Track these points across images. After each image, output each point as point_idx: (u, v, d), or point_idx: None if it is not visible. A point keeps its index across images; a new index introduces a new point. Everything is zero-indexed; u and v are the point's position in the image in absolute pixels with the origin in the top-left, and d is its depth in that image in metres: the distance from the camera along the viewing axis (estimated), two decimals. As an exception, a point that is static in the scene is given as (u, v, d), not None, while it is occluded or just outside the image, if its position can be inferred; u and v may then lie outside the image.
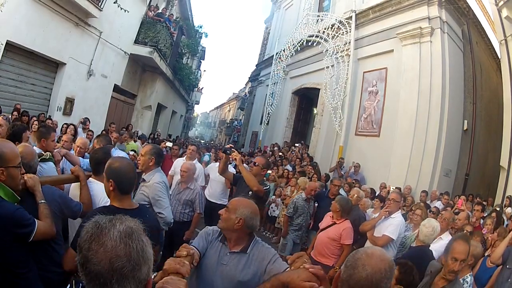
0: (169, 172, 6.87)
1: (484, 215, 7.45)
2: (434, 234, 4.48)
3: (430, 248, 4.43)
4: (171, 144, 9.69)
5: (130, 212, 2.67)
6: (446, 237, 4.76)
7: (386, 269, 1.58)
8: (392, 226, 5.18)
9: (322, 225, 5.46)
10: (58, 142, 6.83)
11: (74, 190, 3.32)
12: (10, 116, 8.03)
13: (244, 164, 8.92)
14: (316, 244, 5.35)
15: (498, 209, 8.41)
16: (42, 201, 2.61)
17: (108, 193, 2.82)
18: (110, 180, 2.75)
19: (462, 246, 3.18)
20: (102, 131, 11.02)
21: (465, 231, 5.62)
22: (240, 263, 2.56)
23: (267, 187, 4.74)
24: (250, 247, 2.62)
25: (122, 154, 5.09)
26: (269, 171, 10.11)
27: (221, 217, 2.69)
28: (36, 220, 2.46)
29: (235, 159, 4.72)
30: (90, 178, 3.33)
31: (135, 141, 10.83)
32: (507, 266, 4.38)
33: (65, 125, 8.75)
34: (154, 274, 1.84)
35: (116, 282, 1.11)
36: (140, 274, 1.16)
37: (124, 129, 11.78)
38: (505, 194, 9.75)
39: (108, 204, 3.09)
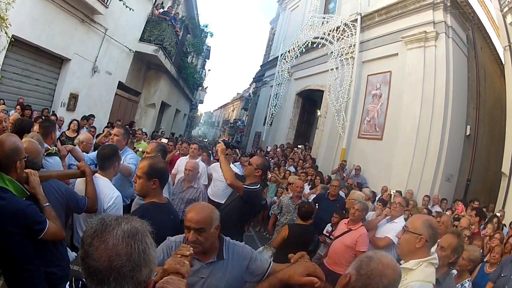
0: (172, 171, 6.89)
1: (484, 221, 7.44)
2: None
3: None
4: (166, 140, 9.80)
5: (168, 205, 3.09)
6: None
7: (398, 278, 1.62)
8: (394, 230, 5.16)
9: (336, 233, 5.36)
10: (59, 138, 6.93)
11: (79, 185, 3.34)
12: (13, 111, 8.11)
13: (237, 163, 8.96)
14: (330, 252, 5.18)
15: (498, 214, 8.41)
16: (47, 204, 2.62)
17: (147, 192, 2.93)
18: (155, 179, 2.89)
19: (446, 237, 3.34)
20: (105, 127, 11.06)
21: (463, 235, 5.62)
22: (220, 271, 2.35)
23: (256, 188, 4.23)
24: (224, 251, 2.39)
25: (132, 153, 5.10)
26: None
27: (195, 241, 2.23)
28: (47, 220, 2.50)
29: (217, 149, 4.62)
30: (96, 174, 3.36)
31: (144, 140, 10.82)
32: (502, 275, 4.41)
33: (74, 121, 8.79)
34: (155, 274, 1.86)
35: (114, 281, 1.11)
36: (140, 275, 1.16)
37: (127, 126, 11.77)
38: (506, 201, 9.73)
39: (115, 198, 3.25)
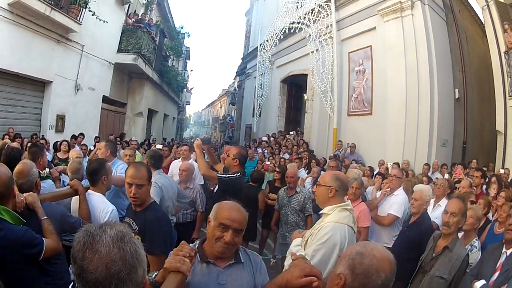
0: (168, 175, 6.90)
1: (485, 181, 7.43)
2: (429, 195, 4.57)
3: (429, 216, 4.56)
4: (161, 146, 9.87)
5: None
6: (444, 204, 4.76)
7: (394, 268, 1.57)
8: (396, 204, 5.16)
9: None
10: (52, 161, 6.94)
11: (74, 204, 3.36)
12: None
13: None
14: None
15: (502, 171, 8.45)
16: (45, 217, 2.67)
17: (147, 196, 3.14)
18: (151, 181, 3.19)
19: (454, 202, 3.50)
20: (95, 142, 11.03)
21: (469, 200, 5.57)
22: (239, 274, 2.23)
23: (232, 176, 4.44)
24: (240, 254, 2.29)
25: (122, 163, 5.11)
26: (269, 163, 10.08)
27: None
28: (43, 238, 2.53)
29: (194, 144, 4.74)
30: (89, 190, 3.38)
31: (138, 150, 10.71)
32: None
33: (64, 142, 8.79)
34: (155, 273, 1.88)
35: None
36: (137, 276, 1.16)
37: (118, 138, 11.74)
38: (505, 158, 9.78)
39: (110, 212, 3.34)
